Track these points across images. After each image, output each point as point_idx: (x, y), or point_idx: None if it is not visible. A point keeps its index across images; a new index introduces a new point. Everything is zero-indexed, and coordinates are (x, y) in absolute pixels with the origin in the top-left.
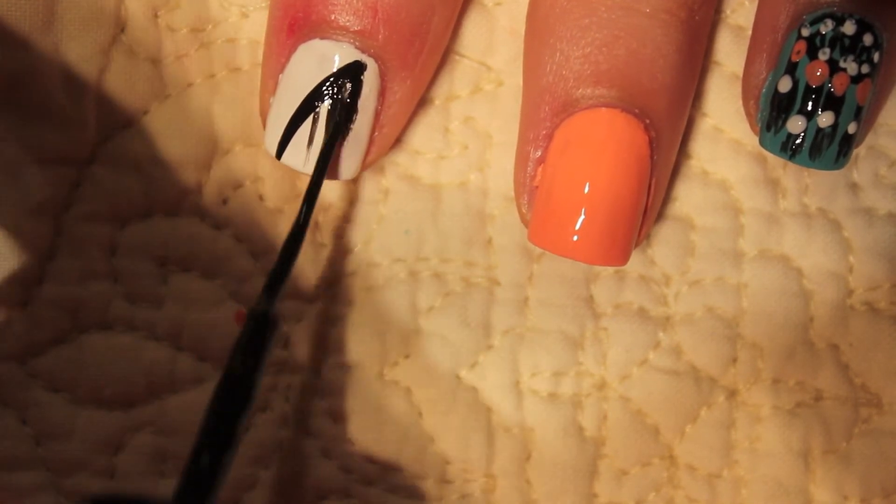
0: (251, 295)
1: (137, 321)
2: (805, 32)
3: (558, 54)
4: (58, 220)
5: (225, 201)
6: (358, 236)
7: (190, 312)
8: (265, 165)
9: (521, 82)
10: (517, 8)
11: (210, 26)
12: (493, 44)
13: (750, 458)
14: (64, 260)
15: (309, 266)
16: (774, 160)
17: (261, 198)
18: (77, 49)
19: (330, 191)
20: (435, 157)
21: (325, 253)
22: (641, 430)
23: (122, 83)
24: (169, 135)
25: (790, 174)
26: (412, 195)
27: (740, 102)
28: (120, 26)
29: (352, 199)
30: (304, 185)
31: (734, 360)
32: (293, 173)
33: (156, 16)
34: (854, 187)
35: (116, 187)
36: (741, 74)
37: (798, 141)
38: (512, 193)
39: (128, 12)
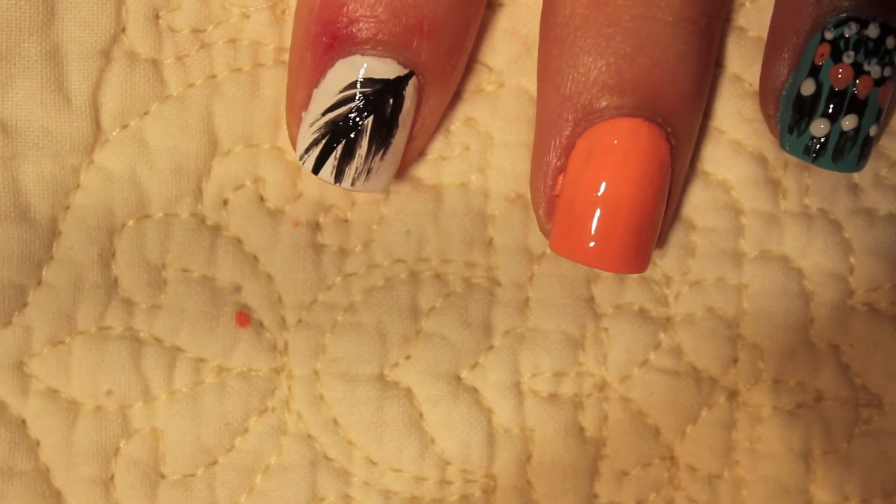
0: (251, 296)
1: (137, 322)
2: (828, 35)
3: (581, 63)
4: (57, 220)
5: (225, 202)
6: (359, 237)
7: (189, 314)
8: (265, 166)
9: (522, 83)
10: (518, 9)
11: (211, 27)
12: (494, 45)
13: (750, 459)
14: (63, 260)
15: (309, 267)
16: (775, 161)
17: (261, 198)
18: (77, 49)
19: (331, 192)
20: (436, 157)
21: (326, 253)
22: (642, 430)
23: (122, 83)
24: (169, 135)
25: (791, 175)
26: (413, 196)
27: (741, 103)
28: (121, 26)
29: (353, 200)
30: (305, 185)
31: (735, 361)
32: (294, 174)
33: (157, 16)
34: (855, 188)
35: (116, 188)
36: (741, 76)
37: (821, 144)
38: (513, 194)
39: (128, 13)
